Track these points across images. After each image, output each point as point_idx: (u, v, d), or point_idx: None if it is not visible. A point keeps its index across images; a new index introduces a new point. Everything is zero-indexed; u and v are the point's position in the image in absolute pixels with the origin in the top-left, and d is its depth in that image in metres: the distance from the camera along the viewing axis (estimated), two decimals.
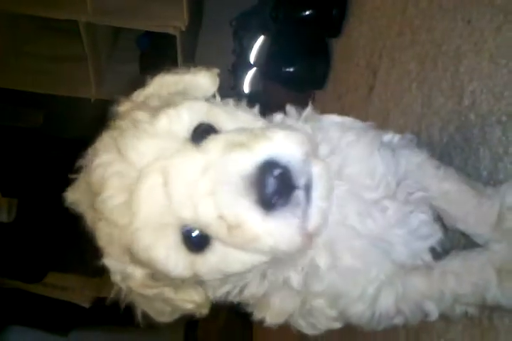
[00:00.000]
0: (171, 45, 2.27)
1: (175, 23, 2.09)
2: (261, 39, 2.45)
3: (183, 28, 2.09)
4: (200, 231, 0.50)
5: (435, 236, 0.69)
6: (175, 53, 2.27)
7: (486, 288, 0.66)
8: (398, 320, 0.68)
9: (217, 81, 0.63)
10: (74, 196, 0.60)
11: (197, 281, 0.56)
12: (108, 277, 0.59)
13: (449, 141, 0.96)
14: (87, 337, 3.52)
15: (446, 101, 0.99)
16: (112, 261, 0.56)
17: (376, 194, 0.64)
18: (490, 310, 0.77)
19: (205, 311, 0.61)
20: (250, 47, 2.50)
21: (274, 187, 0.46)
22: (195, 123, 0.52)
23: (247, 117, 0.56)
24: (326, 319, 0.65)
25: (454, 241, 0.81)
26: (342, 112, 1.65)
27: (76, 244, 3.06)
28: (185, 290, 0.57)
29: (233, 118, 0.55)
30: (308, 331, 0.67)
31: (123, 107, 0.60)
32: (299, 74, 1.93)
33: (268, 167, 0.47)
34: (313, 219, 0.49)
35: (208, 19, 2.72)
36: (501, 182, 0.78)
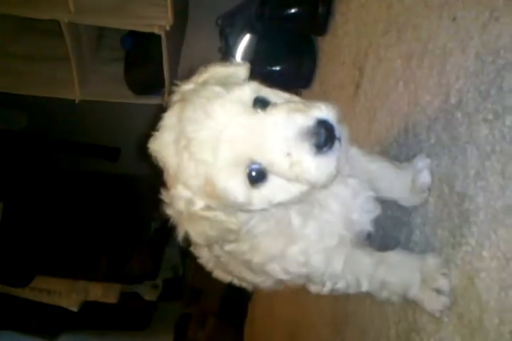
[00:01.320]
0: (156, 44, 2.24)
1: (160, 22, 2.06)
2: (247, 37, 2.43)
3: (168, 28, 2.06)
4: (262, 170, 0.70)
5: (376, 211, 0.90)
6: (160, 52, 2.24)
7: (409, 286, 0.88)
8: (340, 285, 0.88)
9: (249, 71, 0.83)
10: (157, 145, 0.74)
11: (243, 210, 0.75)
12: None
13: (436, 141, 0.95)
14: (75, 340, 3.48)
15: (432, 99, 0.98)
16: (182, 190, 0.72)
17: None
18: (480, 311, 0.76)
19: (235, 236, 0.79)
20: (236, 45, 2.48)
21: (325, 136, 0.67)
22: (254, 96, 0.71)
23: (285, 94, 0.75)
24: (296, 264, 0.85)
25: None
26: None
27: (62, 247, 3.04)
28: (232, 215, 0.75)
29: (277, 94, 0.74)
30: (282, 275, 0.88)
31: (188, 86, 0.77)
32: (285, 73, 1.91)
33: (321, 123, 0.67)
34: (342, 161, 0.70)
35: (194, 16, 2.69)
36: (489, 181, 0.78)
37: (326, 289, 0.89)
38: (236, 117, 0.69)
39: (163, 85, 2.31)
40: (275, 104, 0.71)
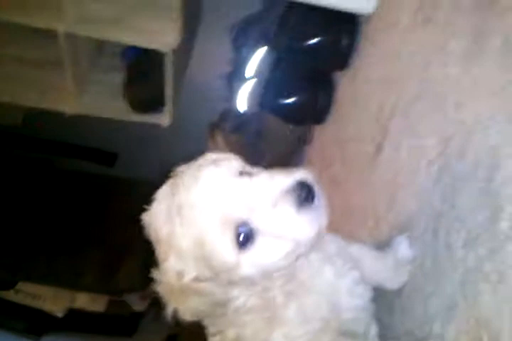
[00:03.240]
0: (160, 58, 2.05)
1: (166, 39, 1.86)
2: (262, 50, 2.24)
3: (175, 46, 1.86)
4: (250, 231, 0.73)
5: (366, 295, 0.91)
6: (164, 67, 2.04)
7: None
8: None
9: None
10: (149, 217, 0.79)
11: (232, 280, 0.76)
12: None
13: (477, 265, 0.77)
14: None
15: (475, 211, 0.80)
16: (173, 261, 0.75)
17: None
18: None
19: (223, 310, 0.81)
20: (249, 59, 2.28)
21: (306, 193, 0.73)
22: (240, 167, 0.77)
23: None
24: None
25: None
26: (343, 163, 1.45)
27: (49, 254, 2.92)
28: (222, 287, 0.77)
29: (259, 169, 0.79)
30: None
31: (183, 168, 0.82)
32: (299, 107, 1.73)
33: (300, 183, 0.74)
34: (323, 216, 0.75)
35: (206, 24, 2.49)
36: None
37: None
38: (223, 182, 0.74)
39: (164, 103, 2.12)
40: (258, 172, 0.78)
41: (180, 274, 0.75)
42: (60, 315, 3.19)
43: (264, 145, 2.23)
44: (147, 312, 3.37)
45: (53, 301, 3.23)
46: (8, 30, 2.19)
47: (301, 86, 1.73)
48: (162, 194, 0.79)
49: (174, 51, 1.89)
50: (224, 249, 0.72)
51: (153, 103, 2.17)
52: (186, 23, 1.93)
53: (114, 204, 3.06)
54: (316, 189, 0.75)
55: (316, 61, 1.69)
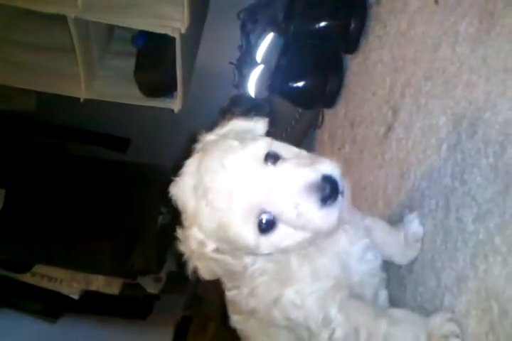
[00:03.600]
0: (170, 44, 2.06)
1: (174, 23, 1.87)
2: (270, 36, 2.24)
3: (184, 31, 1.88)
4: (272, 219, 0.77)
5: (375, 261, 0.97)
6: (174, 53, 2.06)
7: None
8: (337, 335, 0.86)
9: (266, 126, 0.90)
10: (177, 190, 0.82)
11: (249, 253, 0.82)
12: None
13: (487, 238, 0.79)
14: (75, 324, 3.45)
15: (486, 185, 0.82)
16: (196, 232, 0.80)
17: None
18: None
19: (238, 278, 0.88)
20: (258, 44, 2.29)
21: (329, 191, 0.74)
22: (266, 150, 0.78)
23: (294, 149, 0.83)
24: (293, 307, 0.88)
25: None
26: (354, 145, 1.47)
27: (64, 237, 2.97)
28: (239, 258, 0.83)
29: (287, 149, 0.82)
30: (283, 323, 0.91)
31: (210, 137, 0.85)
32: (308, 91, 1.74)
33: (326, 178, 0.75)
34: (343, 213, 0.77)
35: (214, 12, 2.49)
36: None
37: (322, 339, 0.87)
38: (248, 170, 0.76)
39: (175, 88, 2.14)
40: (284, 159, 0.78)
41: (201, 243, 0.80)
42: (76, 297, 3.24)
43: (274, 129, 2.25)
44: (161, 295, 3.43)
45: (69, 284, 3.27)
46: (20, 17, 2.22)
47: (310, 70, 1.74)
48: (190, 168, 0.82)
49: (183, 36, 1.90)
50: (247, 235, 0.76)
51: (164, 88, 2.19)
52: (195, 8, 1.95)
53: (128, 189, 3.09)
54: (341, 184, 0.76)
55: (325, 45, 1.70)
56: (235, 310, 1.02)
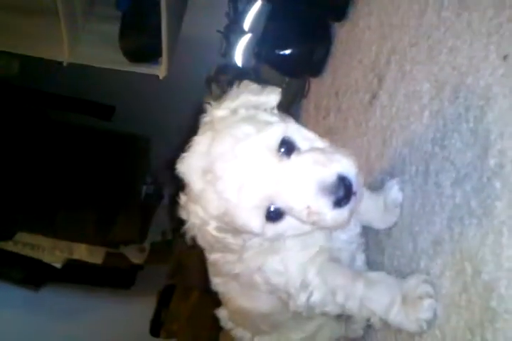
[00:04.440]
0: (155, 7, 2.02)
1: None
2: (258, 3, 2.20)
3: None
4: (280, 210, 0.77)
5: (356, 229, 1.00)
6: (159, 16, 2.01)
7: (390, 305, 0.85)
8: (315, 298, 0.89)
9: (279, 97, 0.85)
10: (184, 168, 0.80)
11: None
12: None
13: (462, 202, 0.80)
14: (59, 293, 3.46)
15: (465, 150, 0.82)
16: (199, 210, 0.79)
17: None
18: None
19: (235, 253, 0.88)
20: (246, 12, 2.25)
21: (343, 193, 0.73)
22: (281, 137, 0.76)
23: (310, 134, 0.81)
24: (275, 273, 0.91)
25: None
26: (338, 112, 1.47)
27: (46, 205, 2.94)
28: (239, 237, 0.82)
29: (303, 135, 0.79)
30: (263, 287, 0.94)
31: (219, 111, 0.82)
32: (295, 59, 1.73)
33: (340, 180, 0.73)
34: (355, 209, 0.77)
35: None
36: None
37: (300, 302, 0.90)
38: (261, 161, 0.74)
39: (161, 54, 2.10)
40: (299, 151, 0.77)
41: (203, 221, 0.80)
42: (58, 266, 3.24)
43: None
44: (145, 265, 3.44)
45: (52, 252, 3.26)
46: None
47: (297, 38, 1.72)
48: (200, 147, 0.79)
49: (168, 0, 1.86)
50: (254, 223, 0.76)
51: (149, 53, 2.15)
52: None
53: (113, 158, 3.07)
54: (355, 185, 0.74)
55: (313, 12, 1.68)
56: (216, 273, 1.03)
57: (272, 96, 0.85)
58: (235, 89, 0.85)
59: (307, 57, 1.71)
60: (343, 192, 0.73)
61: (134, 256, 3.42)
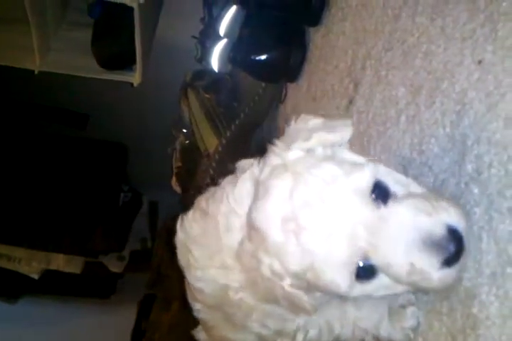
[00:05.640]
0: (128, 13, 1.99)
1: None
2: (233, 9, 2.19)
3: (142, 1, 1.82)
4: (373, 267, 0.64)
5: None
6: (133, 23, 1.99)
7: (379, 321, 0.83)
8: (313, 333, 0.83)
9: (351, 131, 0.74)
10: (261, 215, 0.67)
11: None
12: None
13: None
14: (36, 305, 3.40)
15: (442, 155, 0.82)
16: (277, 264, 0.66)
17: None
18: None
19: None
20: (221, 17, 2.24)
21: (454, 251, 0.61)
22: (372, 180, 0.64)
23: (403, 179, 0.69)
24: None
25: None
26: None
27: (21, 215, 2.89)
28: (312, 295, 0.69)
29: (394, 178, 0.68)
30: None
31: (292, 153, 0.69)
32: (271, 64, 1.71)
33: (450, 234, 0.61)
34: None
35: None
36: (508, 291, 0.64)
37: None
38: (354, 208, 0.63)
39: (135, 61, 2.08)
40: (396, 197, 0.65)
41: (277, 276, 0.67)
42: (36, 276, 3.18)
43: (237, 103, 2.23)
44: (125, 274, 3.40)
45: (29, 263, 3.20)
46: None
47: (272, 43, 1.71)
48: (279, 191, 0.66)
49: (142, 6, 1.84)
50: (341, 282, 0.64)
51: (122, 60, 2.12)
52: None
53: (88, 167, 3.03)
54: (466, 240, 0.63)
55: (287, 17, 1.67)
56: (197, 299, 0.93)
57: (348, 131, 0.74)
58: (298, 126, 0.74)
59: (283, 63, 1.70)
60: (454, 249, 0.61)
61: (113, 264, 3.38)
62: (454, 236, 0.61)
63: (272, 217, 0.66)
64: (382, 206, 0.63)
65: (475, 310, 0.68)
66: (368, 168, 0.65)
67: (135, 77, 2.15)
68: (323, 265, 0.63)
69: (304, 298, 0.69)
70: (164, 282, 2.81)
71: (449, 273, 0.62)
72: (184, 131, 2.45)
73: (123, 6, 1.90)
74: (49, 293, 3.42)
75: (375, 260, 0.63)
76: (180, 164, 2.60)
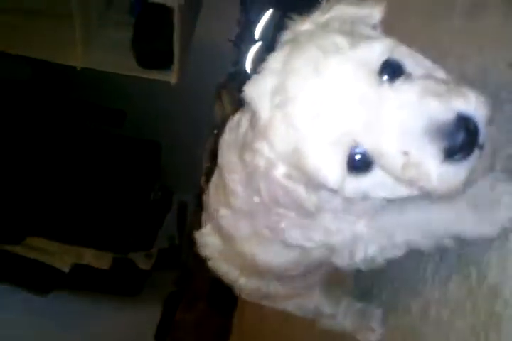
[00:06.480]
0: (168, 15, 2.04)
1: None
2: (269, 13, 2.22)
3: (182, 2, 1.86)
4: (368, 158, 0.55)
5: None
6: (172, 24, 2.04)
7: (459, 217, 0.69)
8: (372, 250, 0.72)
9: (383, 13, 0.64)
10: (253, 91, 0.61)
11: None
12: None
13: None
14: (66, 299, 3.47)
15: None
16: (266, 148, 0.60)
17: None
18: None
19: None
20: (257, 21, 2.27)
21: (462, 141, 0.50)
22: (384, 57, 0.54)
23: (427, 62, 0.58)
24: (325, 232, 0.70)
25: None
26: None
27: (57, 209, 2.97)
28: (313, 192, 0.62)
29: (416, 60, 0.57)
30: (304, 243, 0.72)
31: (304, 26, 0.62)
32: None
33: (462, 120, 0.51)
34: (475, 174, 0.56)
35: None
36: None
37: (358, 258, 0.73)
38: (354, 83, 0.54)
39: (172, 61, 2.13)
40: (409, 77, 0.55)
41: (270, 163, 0.61)
42: (66, 270, 3.24)
43: None
44: (152, 272, 3.44)
45: (60, 256, 3.27)
46: None
47: None
48: (274, 64, 0.60)
49: (181, 7, 1.89)
50: (329, 169, 0.57)
51: (160, 59, 2.17)
52: None
53: (122, 164, 3.09)
54: (483, 132, 0.52)
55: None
56: (229, 204, 0.80)
57: (377, 10, 0.63)
58: (325, 3, 0.64)
59: None
60: (462, 137, 0.51)
61: (142, 261, 3.42)
62: (466, 125, 0.51)
63: (262, 91, 0.60)
64: (387, 84, 0.54)
65: (498, 308, 0.68)
66: (380, 42, 0.55)
67: (172, 76, 2.20)
68: (307, 144, 0.56)
69: (302, 194, 0.62)
70: (191, 280, 2.84)
71: (454, 170, 0.52)
72: (215, 131, 2.49)
73: (163, 7, 1.96)
74: (78, 289, 3.48)
75: (368, 146, 0.55)
76: (209, 164, 2.63)
